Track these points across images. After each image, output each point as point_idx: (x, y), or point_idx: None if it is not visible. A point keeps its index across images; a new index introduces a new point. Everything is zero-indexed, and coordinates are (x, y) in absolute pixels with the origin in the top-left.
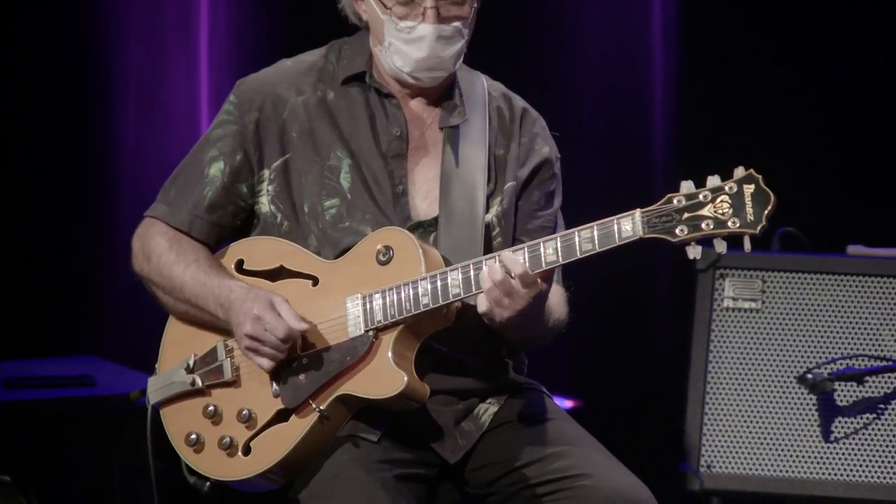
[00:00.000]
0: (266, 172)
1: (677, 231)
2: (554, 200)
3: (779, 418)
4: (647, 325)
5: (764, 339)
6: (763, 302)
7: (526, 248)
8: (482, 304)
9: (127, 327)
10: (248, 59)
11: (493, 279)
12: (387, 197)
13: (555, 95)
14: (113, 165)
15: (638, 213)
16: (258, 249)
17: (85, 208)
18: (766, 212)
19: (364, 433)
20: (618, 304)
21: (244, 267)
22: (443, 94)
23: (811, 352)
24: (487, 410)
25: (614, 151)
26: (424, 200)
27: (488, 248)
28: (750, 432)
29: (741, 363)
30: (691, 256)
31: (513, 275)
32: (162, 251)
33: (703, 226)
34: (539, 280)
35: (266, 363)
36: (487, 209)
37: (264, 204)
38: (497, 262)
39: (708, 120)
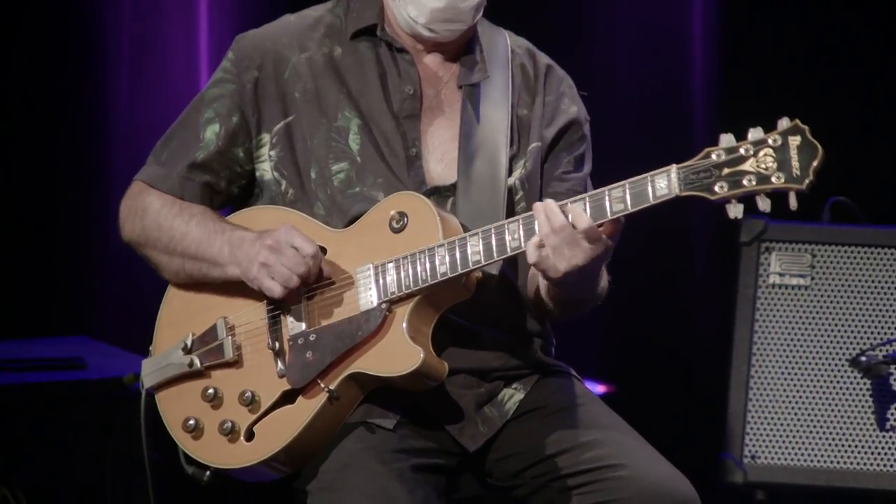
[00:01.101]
0: (266, 136)
1: (716, 188)
2: (584, 164)
3: (829, 404)
4: (686, 303)
5: (813, 317)
6: (812, 278)
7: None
8: (532, 255)
9: (120, 305)
10: (250, 12)
11: (552, 225)
12: (399, 160)
13: (586, 42)
14: (104, 127)
15: (674, 168)
16: (262, 219)
17: (73, 173)
18: (813, 165)
19: (377, 419)
20: (653, 280)
21: None
22: (461, 50)
23: (865, 332)
24: (513, 397)
25: (649, 104)
26: (440, 164)
27: (510, 214)
28: (798, 420)
29: (788, 344)
30: (732, 216)
31: (567, 224)
32: (160, 206)
33: (745, 182)
34: (604, 235)
35: (277, 289)
36: (510, 172)
37: (266, 171)
38: (555, 206)
39: (751, 71)
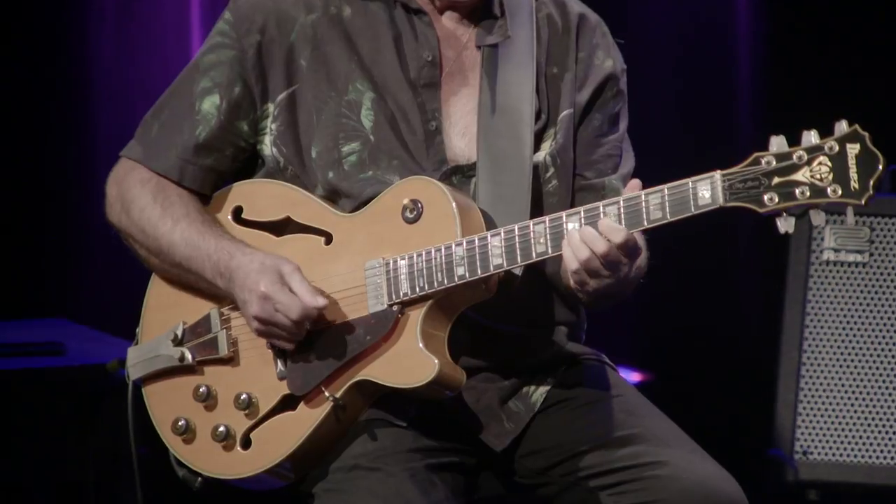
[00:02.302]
0: (270, 107)
1: (765, 199)
2: (619, 123)
3: (890, 394)
4: (730, 283)
5: (872, 298)
6: (871, 254)
7: (582, 213)
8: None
9: (102, 283)
10: None
11: (578, 259)
12: (418, 137)
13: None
14: (87, 91)
15: (718, 175)
16: (262, 195)
17: (52, 141)
18: (873, 179)
19: (390, 416)
20: (694, 257)
21: (243, 216)
22: (480, 7)
23: None
24: (539, 389)
25: (690, 98)
26: (462, 138)
27: (538, 195)
28: (855, 411)
29: (844, 327)
30: (782, 230)
31: (598, 253)
32: (144, 203)
33: (797, 193)
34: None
35: (287, 346)
36: (537, 146)
37: (266, 146)
38: (578, 238)
39: (803, 65)
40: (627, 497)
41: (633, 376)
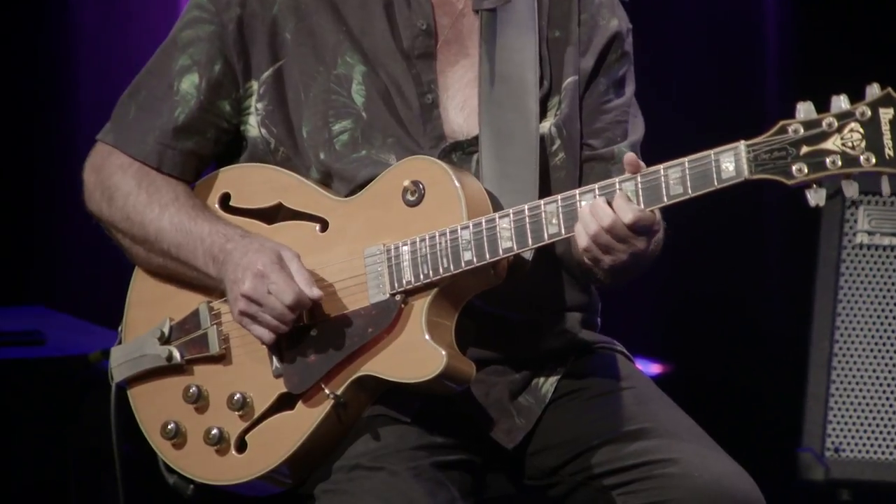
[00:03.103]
0: (254, 85)
1: (794, 170)
2: (626, 87)
3: None
4: (756, 267)
5: None
6: None
7: (597, 190)
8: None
9: (84, 269)
10: None
11: (588, 233)
12: (413, 111)
13: None
14: (66, 66)
15: (742, 146)
16: (251, 180)
17: (32, 118)
18: None
19: (393, 411)
20: (717, 238)
21: (231, 203)
22: None
23: None
24: (549, 379)
25: (712, 60)
26: (461, 112)
27: (544, 170)
28: (890, 406)
29: (879, 316)
30: (813, 204)
31: (607, 228)
32: (129, 190)
33: (828, 163)
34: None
35: (266, 336)
36: (543, 116)
37: (252, 126)
38: (588, 212)
39: (833, 21)
40: (638, 497)
41: (652, 367)
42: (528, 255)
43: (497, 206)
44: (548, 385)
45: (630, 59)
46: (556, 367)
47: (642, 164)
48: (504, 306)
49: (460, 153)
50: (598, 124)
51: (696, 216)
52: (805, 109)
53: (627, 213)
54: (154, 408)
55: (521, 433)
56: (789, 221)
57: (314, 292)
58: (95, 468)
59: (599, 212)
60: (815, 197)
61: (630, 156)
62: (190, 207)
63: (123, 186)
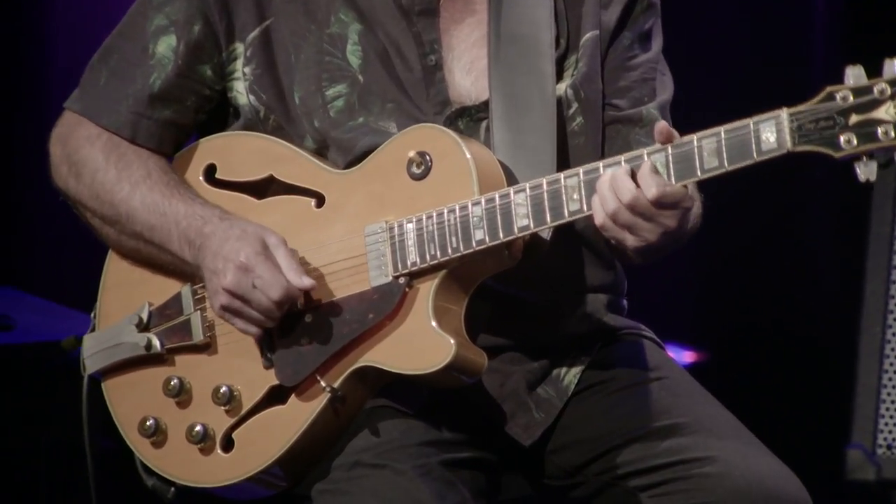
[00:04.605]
0: (239, 47)
1: (842, 141)
2: (652, 41)
3: None
4: (801, 248)
5: None
6: None
7: (623, 161)
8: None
9: (55, 248)
10: None
11: (606, 210)
12: (415, 74)
13: None
14: (38, 27)
15: (784, 114)
16: (239, 150)
17: None
18: None
19: (397, 403)
20: (759, 215)
21: (217, 176)
22: None
23: None
24: (572, 369)
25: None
26: (468, 75)
27: (561, 137)
28: None
29: None
30: (863, 178)
31: (626, 204)
32: (97, 165)
33: (880, 134)
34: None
35: (252, 330)
36: (559, 77)
37: (241, 93)
38: (608, 184)
39: None
40: (671, 499)
41: (685, 356)
42: (546, 234)
43: (511, 180)
44: (570, 376)
45: (657, 10)
46: (580, 356)
47: (675, 133)
48: (519, 286)
49: (467, 119)
50: (622, 83)
51: (737, 194)
52: (855, 74)
53: (652, 186)
54: (131, 402)
55: (539, 428)
56: (837, 196)
57: (305, 282)
58: (70, 465)
59: (619, 185)
60: (866, 171)
61: (662, 124)
62: (164, 185)
63: (91, 161)
